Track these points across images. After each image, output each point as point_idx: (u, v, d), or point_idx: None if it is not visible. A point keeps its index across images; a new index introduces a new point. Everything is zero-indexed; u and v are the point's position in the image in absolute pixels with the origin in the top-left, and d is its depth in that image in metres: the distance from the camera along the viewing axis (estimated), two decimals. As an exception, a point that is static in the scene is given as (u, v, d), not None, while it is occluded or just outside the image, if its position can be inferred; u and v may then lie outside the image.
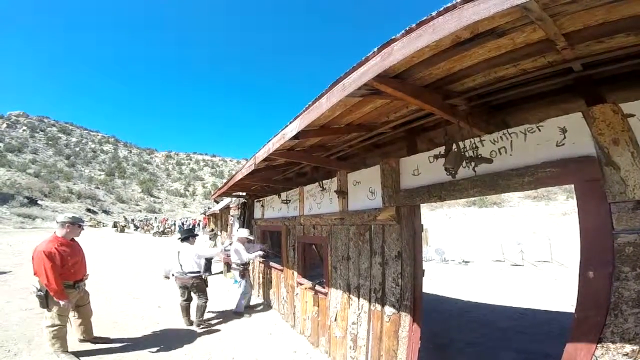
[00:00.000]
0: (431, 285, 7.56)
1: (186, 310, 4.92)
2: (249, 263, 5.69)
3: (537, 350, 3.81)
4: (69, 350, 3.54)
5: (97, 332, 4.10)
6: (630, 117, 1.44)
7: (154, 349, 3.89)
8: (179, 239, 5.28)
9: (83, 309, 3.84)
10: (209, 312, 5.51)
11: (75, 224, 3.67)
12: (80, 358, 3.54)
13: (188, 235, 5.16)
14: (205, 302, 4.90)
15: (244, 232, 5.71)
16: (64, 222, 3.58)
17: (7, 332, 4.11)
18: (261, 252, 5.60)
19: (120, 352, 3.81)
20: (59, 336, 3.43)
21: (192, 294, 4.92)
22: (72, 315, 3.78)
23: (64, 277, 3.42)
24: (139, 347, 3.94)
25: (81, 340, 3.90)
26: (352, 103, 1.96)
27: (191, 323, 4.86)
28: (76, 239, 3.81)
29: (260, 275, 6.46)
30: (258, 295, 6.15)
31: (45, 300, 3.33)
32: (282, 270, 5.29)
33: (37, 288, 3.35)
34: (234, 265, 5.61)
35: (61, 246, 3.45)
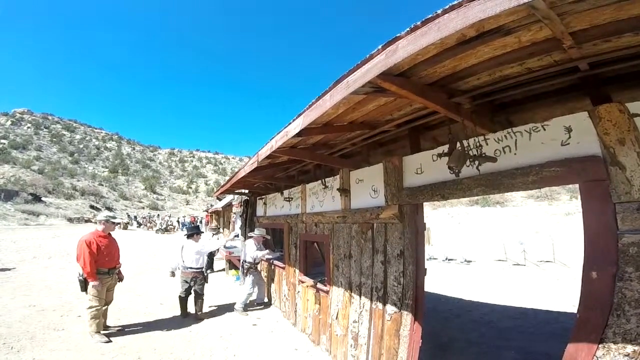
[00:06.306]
0: (433, 284, 7.56)
1: (184, 302, 5.14)
2: (259, 262, 5.79)
3: (538, 350, 3.81)
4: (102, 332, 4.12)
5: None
6: (637, 117, 1.43)
7: (155, 346, 3.93)
8: (184, 234, 5.46)
9: (109, 293, 4.32)
10: (211, 308, 5.56)
11: (110, 221, 4.41)
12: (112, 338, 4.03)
13: (193, 232, 5.36)
14: (202, 299, 5.12)
15: (260, 232, 5.83)
16: (100, 220, 4.36)
17: (10, 329, 4.15)
18: (266, 252, 5.67)
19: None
20: (96, 316, 4.00)
21: (192, 288, 5.09)
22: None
23: (100, 264, 4.08)
24: (139, 343, 3.98)
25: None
26: (355, 101, 1.96)
27: (186, 315, 5.10)
28: (112, 233, 4.49)
29: (263, 272, 6.49)
30: (265, 295, 6.16)
31: (84, 284, 4.04)
32: (284, 268, 5.31)
33: (79, 273, 4.05)
34: (245, 264, 5.66)
35: (99, 238, 4.16)
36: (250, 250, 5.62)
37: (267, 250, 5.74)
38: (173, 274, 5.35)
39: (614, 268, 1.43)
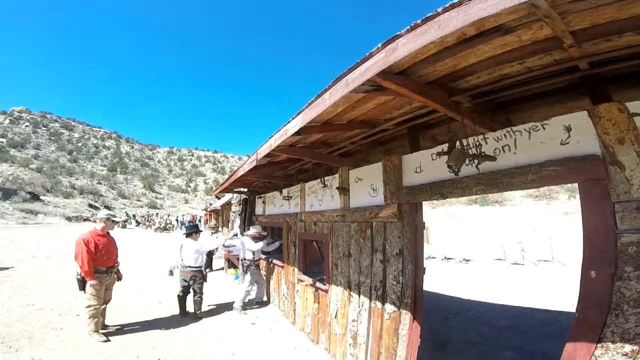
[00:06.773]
0: (431, 283, 7.57)
1: (182, 301, 5.13)
2: (259, 260, 5.80)
3: (536, 349, 3.82)
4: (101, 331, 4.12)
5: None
6: (636, 116, 1.43)
7: (154, 345, 3.92)
8: (183, 234, 5.46)
9: (107, 292, 4.30)
10: (210, 306, 5.55)
11: (110, 219, 4.41)
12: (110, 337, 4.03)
13: (192, 231, 5.34)
14: (201, 298, 5.10)
15: (256, 229, 5.85)
16: (101, 218, 4.34)
17: (8, 328, 4.13)
18: (264, 243, 5.69)
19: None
20: (94, 316, 3.99)
21: (191, 287, 5.08)
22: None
23: (98, 263, 4.07)
24: (138, 343, 3.97)
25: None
26: (355, 99, 1.96)
27: (185, 314, 5.08)
28: (111, 232, 4.50)
29: (262, 271, 6.48)
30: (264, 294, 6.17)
31: (83, 283, 4.02)
32: (282, 267, 5.31)
33: (77, 272, 4.04)
34: (245, 261, 5.66)
35: (97, 237, 4.16)
36: (248, 246, 5.63)
37: (265, 241, 5.74)
38: (172, 273, 5.35)
39: (613, 267, 1.43)
